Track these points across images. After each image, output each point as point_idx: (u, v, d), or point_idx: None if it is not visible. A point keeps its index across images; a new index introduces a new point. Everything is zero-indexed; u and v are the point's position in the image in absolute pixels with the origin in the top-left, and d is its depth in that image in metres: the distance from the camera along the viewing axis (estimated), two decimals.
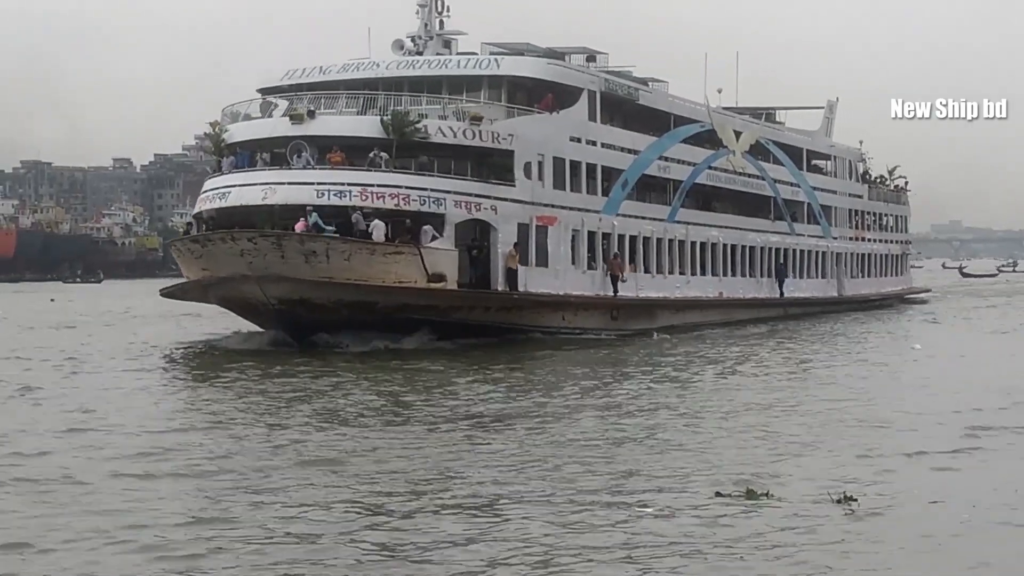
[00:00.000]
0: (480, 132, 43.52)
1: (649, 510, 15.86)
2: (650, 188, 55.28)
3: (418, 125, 42.47)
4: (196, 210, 45.79)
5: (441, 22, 49.36)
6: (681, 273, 56.26)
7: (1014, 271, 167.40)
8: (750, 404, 27.63)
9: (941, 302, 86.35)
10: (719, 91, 68.42)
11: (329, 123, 42.91)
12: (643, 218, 53.20)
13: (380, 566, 13.45)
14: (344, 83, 45.69)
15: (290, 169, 42.14)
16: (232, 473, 18.66)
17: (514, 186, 44.50)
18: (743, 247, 62.41)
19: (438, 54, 48.11)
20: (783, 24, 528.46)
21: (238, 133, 44.66)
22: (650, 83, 58.09)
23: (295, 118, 42.72)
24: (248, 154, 43.50)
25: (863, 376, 34.60)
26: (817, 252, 71.98)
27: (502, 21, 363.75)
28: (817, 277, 71.89)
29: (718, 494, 16.71)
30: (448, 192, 42.18)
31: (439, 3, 49.25)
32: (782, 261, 64.00)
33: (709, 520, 15.35)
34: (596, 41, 53.03)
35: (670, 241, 55.29)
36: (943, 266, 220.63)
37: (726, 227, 61.08)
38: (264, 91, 47.59)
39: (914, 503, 16.74)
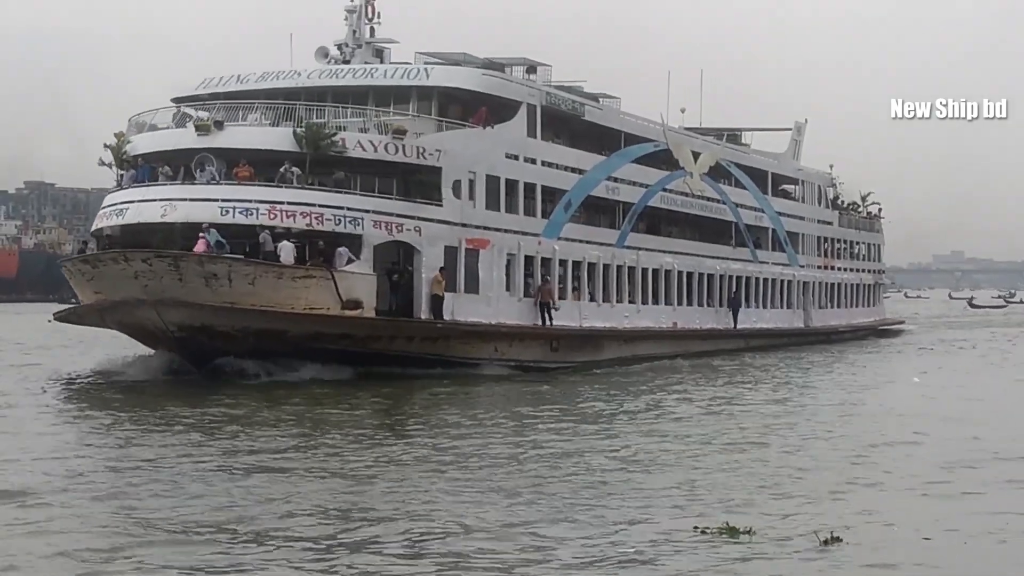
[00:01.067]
0: (404, 147, 40.15)
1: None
2: (597, 210, 51.93)
3: (335, 138, 39.09)
4: (94, 227, 42.16)
5: (372, 30, 46.03)
6: (631, 302, 52.79)
7: (1007, 303, 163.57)
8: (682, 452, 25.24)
9: (920, 335, 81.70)
10: (682, 110, 66.03)
11: (238, 135, 39.59)
12: (588, 242, 49.74)
13: None
14: (263, 92, 42.45)
15: (193, 184, 38.73)
16: None
17: (441, 205, 41.11)
18: (700, 275, 58.97)
19: (366, 63, 44.61)
20: (753, 43, 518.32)
21: (141, 145, 41.15)
22: (601, 99, 54.64)
23: (201, 129, 39.45)
24: (149, 168, 39.98)
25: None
26: (782, 281, 68.56)
27: (447, 34, 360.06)
28: (782, 307, 68.41)
29: (698, 528, 16.85)
30: (366, 211, 38.81)
31: (369, 9, 45.93)
32: (735, 290, 60.20)
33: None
34: (548, 56, 48.16)
35: (619, 267, 51.85)
36: (949, 296, 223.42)
37: (682, 253, 57.57)
38: (178, 100, 43.92)
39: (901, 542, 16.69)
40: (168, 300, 35.78)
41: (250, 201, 37.71)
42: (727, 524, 16.85)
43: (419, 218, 40.18)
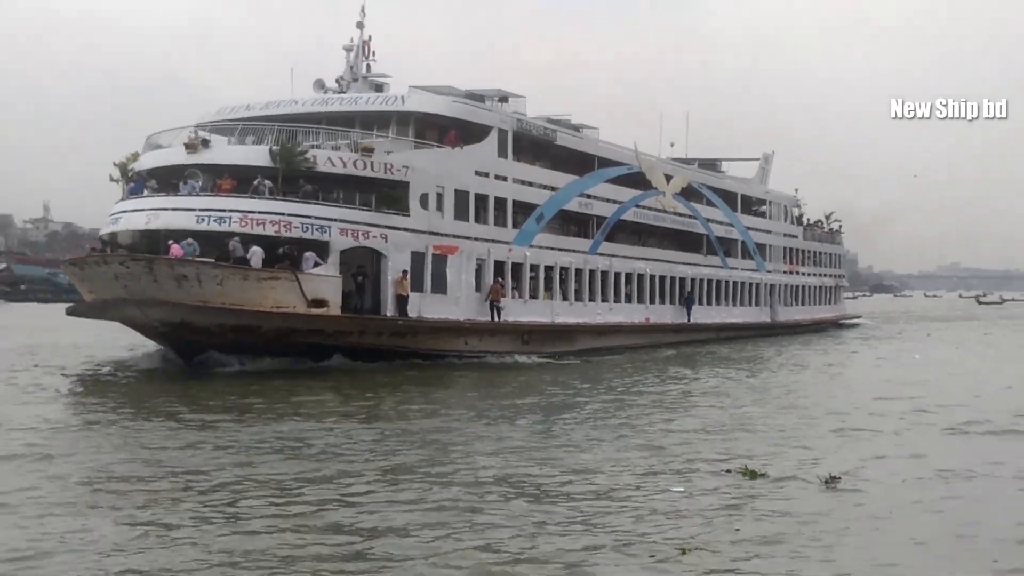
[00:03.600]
0: (372, 163, 34.75)
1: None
2: (572, 222, 46.18)
3: (307, 155, 33.72)
4: (100, 233, 37.03)
5: (368, 66, 40.55)
6: (604, 300, 46.91)
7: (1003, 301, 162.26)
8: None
9: (875, 328, 76.48)
10: (672, 144, 62.08)
11: (222, 152, 34.48)
12: (561, 250, 43.93)
13: None
14: (267, 118, 37.04)
15: (176, 196, 33.51)
16: None
17: (408, 216, 35.49)
18: (672, 278, 53.04)
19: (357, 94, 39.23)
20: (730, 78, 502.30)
21: (144, 162, 36.11)
22: (582, 129, 48.91)
23: (190, 147, 34.38)
24: (142, 182, 34.78)
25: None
26: (751, 284, 62.68)
27: (451, 71, 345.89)
28: (751, 305, 62.61)
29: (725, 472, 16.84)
30: (333, 220, 33.42)
31: (365, 47, 40.55)
32: (689, 290, 53.65)
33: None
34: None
35: (591, 272, 46.01)
36: (959, 296, 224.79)
37: (655, 260, 51.69)
38: (200, 126, 38.42)
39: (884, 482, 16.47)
40: (148, 299, 30.71)
41: (223, 211, 32.48)
42: (746, 467, 16.78)
43: (385, 226, 34.77)
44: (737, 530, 13.29)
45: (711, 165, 65.59)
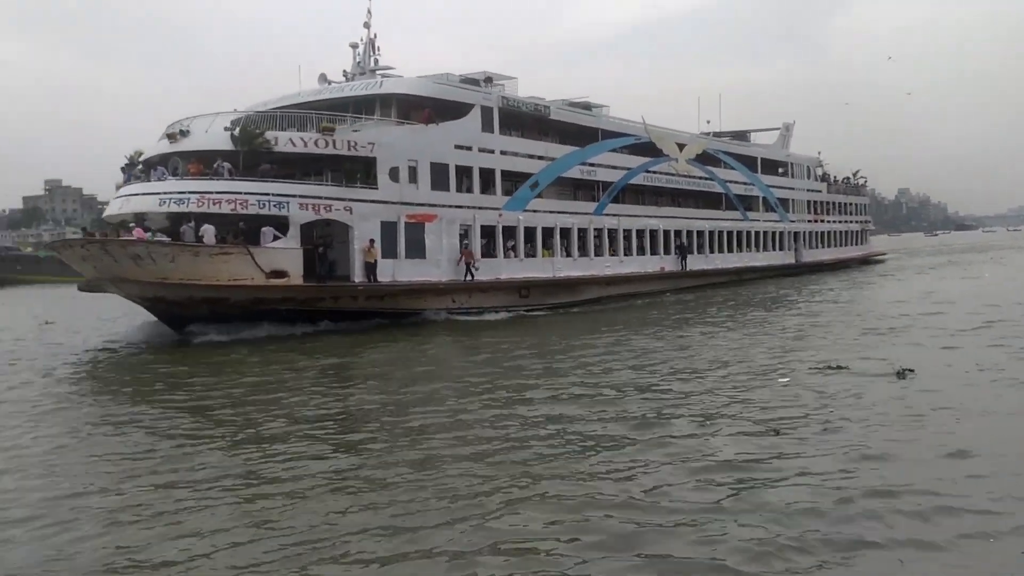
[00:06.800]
0: (334, 142, 26.77)
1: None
2: (577, 187, 37.26)
3: (266, 138, 26.10)
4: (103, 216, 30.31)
5: (376, 60, 32.60)
6: (613, 255, 37.99)
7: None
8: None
9: (895, 261, 67.50)
10: (708, 122, 54.51)
11: (196, 140, 26.87)
12: (561, 212, 35.17)
13: None
14: (278, 110, 29.39)
15: (147, 182, 26.42)
16: None
17: (377, 188, 27.47)
18: (689, 232, 43.48)
19: (347, 82, 31.52)
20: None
21: (147, 152, 28.88)
22: (593, 107, 39.89)
23: (171, 137, 27.17)
24: (131, 172, 27.85)
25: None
26: (774, 232, 52.37)
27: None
28: (774, 250, 52.45)
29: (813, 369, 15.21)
30: (292, 196, 25.78)
31: (373, 45, 32.69)
32: (685, 241, 43.29)
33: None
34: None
35: (598, 230, 37.14)
36: (1007, 229, 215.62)
37: (666, 216, 42.19)
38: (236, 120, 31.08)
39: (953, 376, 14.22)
40: (114, 278, 23.80)
41: (183, 192, 25.09)
42: (831, 363, 15.37)
43: (350, 199, 26.85)
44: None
45: (741, 136, 56.29)
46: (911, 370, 14.27)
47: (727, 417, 11.88)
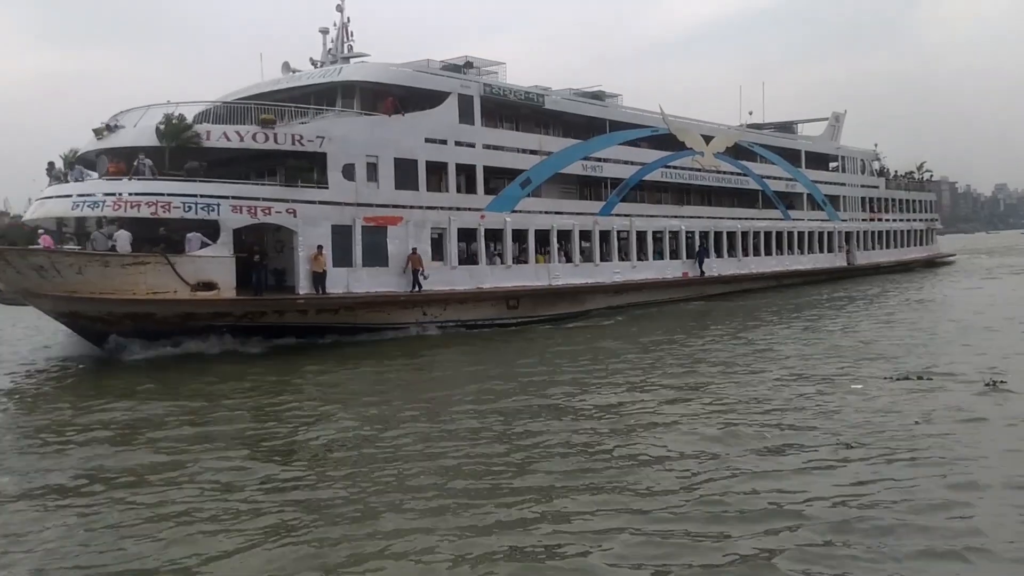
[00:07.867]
0: (275, 136, 23.73)
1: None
2: (583, 185, 33.72)
3: (196, 130, 23.20)
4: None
5: (350, 47, 29.55)
6: (624, 260, 34.31)
7: None
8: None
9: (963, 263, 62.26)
10: (750, 112, 51.12)
11: (122, 135, 24.12)
12: (559, 213, 31.63)
13: None
14: (240, 100, 26.48)
15: (64, 184, 23.73)
16: None
17: (327, 188, 24.34)
18: (716, 232, 39.48)
19: (298, 71, 28.51)
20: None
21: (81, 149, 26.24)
22: (606, 97, 36.19)
23: (97, 132, 24.47)
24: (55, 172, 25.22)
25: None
26: (821, 232, 47.90)
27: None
28: (821, 252, 47.84)
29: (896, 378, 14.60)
30: (224, 197, 22.79)
31: (346, 31, 29.64)
32: (702, 244, 38.69)
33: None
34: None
35: (604, 232, 33.45)
36: None
37: (688, 217, 38.20)
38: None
39: None
40: (22, 290, 21.28)
41: (96, 195, 22.32)
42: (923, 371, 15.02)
43: (294, 200, 23.79)
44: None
45: (786, 127, 51.47)
46: (1003, 381, 13.76)
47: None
